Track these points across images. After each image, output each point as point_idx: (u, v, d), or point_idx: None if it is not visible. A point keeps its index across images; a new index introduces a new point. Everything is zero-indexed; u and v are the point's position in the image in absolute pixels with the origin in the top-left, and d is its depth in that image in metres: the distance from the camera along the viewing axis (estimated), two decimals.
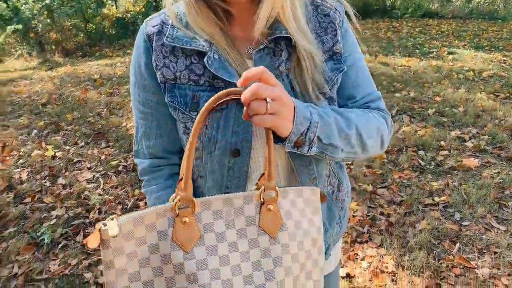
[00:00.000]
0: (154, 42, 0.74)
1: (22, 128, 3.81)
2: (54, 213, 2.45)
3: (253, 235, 0.61)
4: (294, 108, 0.64)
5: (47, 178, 2.86)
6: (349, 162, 3.01)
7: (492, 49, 6.49)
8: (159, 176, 0.83)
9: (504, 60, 5.67)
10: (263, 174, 0.64)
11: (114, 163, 3.10)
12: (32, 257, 2.13)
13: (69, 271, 2.02)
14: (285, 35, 0.72)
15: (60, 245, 2.20)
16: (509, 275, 1.99)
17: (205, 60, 0.71)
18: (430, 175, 2.85)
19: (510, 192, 2.62)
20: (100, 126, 3.80)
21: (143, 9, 10.14)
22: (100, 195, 2.68)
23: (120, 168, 3.03)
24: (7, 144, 3.40)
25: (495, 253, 2.12)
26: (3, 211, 2.47)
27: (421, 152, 3.14)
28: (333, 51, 0.77)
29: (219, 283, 0.58)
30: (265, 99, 0.59)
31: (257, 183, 0.64)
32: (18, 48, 8.67)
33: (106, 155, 3.25)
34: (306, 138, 0.67)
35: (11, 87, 5.43)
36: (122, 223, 0.53)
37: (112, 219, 0.53)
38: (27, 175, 2.91)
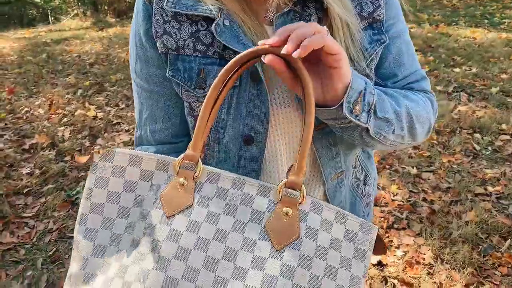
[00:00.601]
0: (154, 5, 0.63)
1: (69, 87, 3.92)
2: None
3: (252, 235, 0.49)
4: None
5: (87, 138, 2.92)
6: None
7: None
8: None
9: None
10: (292, 165, 0.50)
11: None
12: (67, 214, 2.20)
13: None
14: None
15: None
16: None
17: (213, 27, 0.60)
18: (485, 161, 2.58)
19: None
20: None
21: None
22: None
23: None
24: (54, 102, 3.52)
25: None
26: (44, 167, 2.57)
27: (477, 135, 2.85)
28: (374, 17, 0.63)
29: (180, 267, 0.47)
30: None
31: (288, 171, 0.51)
32: (74, 7, 8.91)
33: None
34: (365, 102, 0.55)
35: (64, 46, 5.61)
36: (116, 152, 0.51)
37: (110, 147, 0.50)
38: (69, 133, 2.99)
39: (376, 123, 0.59)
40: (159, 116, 0.70)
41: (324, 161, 0.67)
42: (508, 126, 2.95)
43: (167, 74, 0.65)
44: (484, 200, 2.25)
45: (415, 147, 2.76)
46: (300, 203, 0.49)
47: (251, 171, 0.66)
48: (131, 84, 3.93)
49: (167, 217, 0.49)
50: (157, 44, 0.64)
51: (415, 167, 2.54)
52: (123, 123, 3.20)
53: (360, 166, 0.76)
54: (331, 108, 0.55)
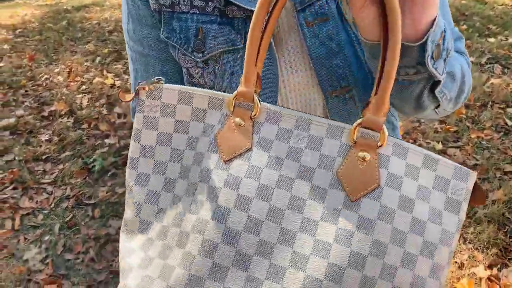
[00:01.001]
0: None
1: (88, 55, 3.90)
2: (107, 141, 2.50)
3: (322, 183, 0.41)
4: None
5: (104, 106, 2.91)
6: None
7: None
8: None
9: None
10: (369, 102, 0.41)
11: None
12: (84, 181, 2.22)
13: (114, 199, 2.07)
14: None
15: (109, 173, 2.26)
16: None
17: None
18: None
19: None
20: None
21: None
22: None
23: None
24: (72, 69, 3.51)
25: None
26: (62, 134, 2.58)
27: (510, 110, 2.68)
28: None
29: (242, 217, 0.42)
30: None
31: (362, 109, 0.42)
32: None
33: None
34: (445, 46, 0.46)
35: (84, 13, 5.56)
36: (164, 88, 0.46)
37: (158, 81, 0.47)
38: (88, 101, 2.99)
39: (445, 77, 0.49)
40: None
41: None
42: None
43: (161, 35, 0.57)
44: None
45: (441, 121, 2.62)
46: (380, 146, 0.41)
47: None
48: None
49: (224, 161, 0.44)
50: (150, 0, 0.57)
51: (440, 143, 2.41)
52: None
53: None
54: (412, 44, 0.43)
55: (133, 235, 0.49)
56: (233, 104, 0.45)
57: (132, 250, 0.48)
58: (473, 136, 2.48)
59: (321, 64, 0.55)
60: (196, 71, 0.58)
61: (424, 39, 0.43)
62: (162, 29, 0.57)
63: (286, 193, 0.42)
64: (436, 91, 0.50)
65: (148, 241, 0.48)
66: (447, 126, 2.57)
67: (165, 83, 0.62)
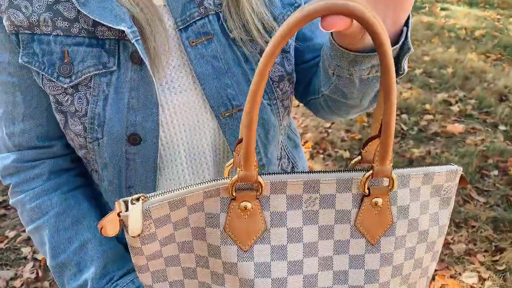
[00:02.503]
0: None
1: None
2: None
3: (344, 237, 0.44)
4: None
5: None
6: (329, 123, 2.81)
7: (486, 6, 6.22)
8: (33, 177, 0.58)
9: (498, 19, 5.45)
10: (373, 137, 0.43)
11: None
12: None
13: (5, 245, 1.82)
14: None
15: None
16: (485, 251, 1.88)
17: None
18: (412, 141, 2.68)
19: (493, 161, 2.49)
20: None
21: None
22: None
23: None
24: None
25: (473, 227, 2.02)
26: None
27: (404, 116, 2.96)
28: None
29: None
30: None
31: (360, 153, 0.45)
32: None
33: None
34: (408, 39, 0.46)
35: None
36: (151, 208, 0.39)
37: (138, 199, 0.38)
38: None
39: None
40: (17, 114, 0.55)
41: None
42: (431, 106, 3.10)
43: (20, 60, 0.50)
44: None
45: (346, 130, 2.79)
46: (391, 189, 0.43)
47: (145, 176, 0.55)
48: None
49: (244, 251, 0.42)
50: (3, 21, 0.49)
51: (347, 150, 2.56)
52: None
53: (286, 157, 0.67)
54: (395, 46, 0.43)
55: None
56: (234, 190, 0.41)
57: None
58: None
59: (209, 84, 0.53)
60: (66, 98, 0.51)
61: (402, 39, 0.44)
62: (21, 53, 0.50)
63: (314, 259, 0.44)
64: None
65: None
66: (352, 135, 2.75)
67: (27, 112, 0.54)
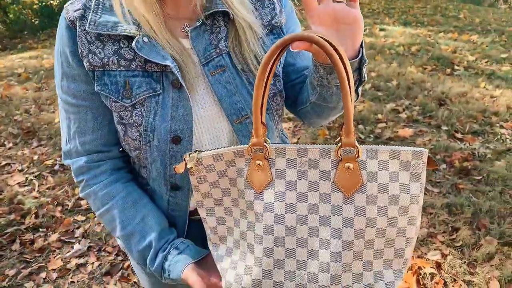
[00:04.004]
0: (77, 27, 0.67)
1: None
2: None
3: (326, 190, 0.59)
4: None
5: None
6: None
7: (418, 24, 6.86)
8: (100, 173, 0.76)
9: (429, 35, 6.03)
10: (340, 127, 0.59)
11: (49, 162, 2.90)
12: None
13: (7, 283, 1.87)
14: (222, 9, 0.69)
15: None
16: (444, 232, 2.15)
17: (133, 44, 0.66)
18: None
19: (441, 157, 2.82)
20: (29, 124, 3.52)
21: None
22: (35, 198, 2.50)
23: (56, 168, 2.84)
24: None
25: (431, 213, 2.29)
26: None
27: (360, 126, 3.27)
28: (272, 25, 0.75)
29: (282, 228, 0.60)
30: None
31: (339, 134, 0.59)
32: None
33: (39, 154, 3.02)
34: (363, 52, 0.65)
35: None
36: (202, 157, 0.63)
37: (196, 152, 0.64)
38: None
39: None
40: (88, 128, 0.73)
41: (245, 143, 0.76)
42: (382, 115, 3.45)
43: (95, 89, 0.69)
44: None
45: (312, 143, 3.04)
46: (357, 157, 0.58)
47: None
48: (16, 120, 3.60)
49: (258, 193, 0.61)
50: (84, 62, 0.68)
51: None
52: (14, 163, 2.91)
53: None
54: (354, 60, 0.62)
55: (216, 246, 0.69)
56: (250, 152, 0.61)
57: (220, 257, 0.68)
58: None
59: (224, 101, 0.72)
60: (126, 114, 0.70)
61: (361, 53, 0.62)
62: (95, 83, 0.69)
63: (304, 204, 0.60)
64: (359, 89, 0.69)
65: (228, 250, 0.68)
66: None
67: (95, 126, 0.75)
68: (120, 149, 0.78)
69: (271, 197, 0.60)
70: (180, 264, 0.71)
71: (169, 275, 0.73)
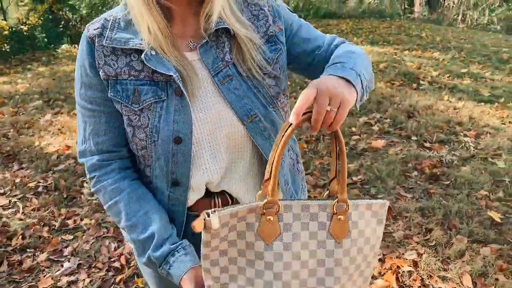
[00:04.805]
0: (96, 43, 0.78)
1: None
2: None
3: (322, 238, 0.71)
4: (346, 79, 0.71)
5: None
6: None
7: (384, 43, 7.25)
8: (110, 171, 0.85)
9: (395, 53, 6.39)
10: (333, 178, 0.71)
11: (32, 184, 2.89)
12: None
13: None
14: (224, 26, 0.80)
15: None
16: (418, 233, 2.30)
17: (142, 56, 0.76)
18: (346, 158, 3.13)
19: (412, 165, 3.02)
20: (8, 148, 3.50)
21: (40, 21, 9.40)
22: (21, 219, 2.49)
23: (40, 189, 2.84)
24: None
25: (406, 217, 2.44)
26: None
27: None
28: (268, 35, 0.85)
29: (289, 273, 0.70)
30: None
31: (328, 189, 0.72)
32: None
33: (21, 177, 3.01)
34: (363, 88, 0.75)
35: None
36: (221, 216, 0.65)
37: (214, 212, 0.63)
38: None
39: (367, 84, 0.79)
40: (101, 130, 0.83)
41: (266, 151, 0.84)
42: (356, 128, 3.64)
43: (109, 95, 0.79)
44: (353, 188, 2.75)
45: None
46: (347, 210, 0.71)
47: (183, 164, 0.81)
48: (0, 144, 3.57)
49: (267, 244, 0.69)
50: (100, 73, 0.79)
51: None
52: None
53: (292, 149, 0.97)
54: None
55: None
56: (263, 208, 0.67)
57: None
58: (316, 163, 3.10)
59: (235, 105, 0.81)
60: (134, 117, 0.79)
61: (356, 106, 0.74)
62: (109, 91, 0.79)
63: (306, 251, 0.70)
64: (357, 104, 0.76)
65: None
66: None
67: (108, 129, 0.84)
68: (128, 151, 0.87)
69: (280, 248, 0.69)
70: (184, 265, 0.78)
71: (169, 268, 0.79)
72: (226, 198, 0.89)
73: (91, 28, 0.80)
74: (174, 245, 0.82)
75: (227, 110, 0.82)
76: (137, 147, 0.83)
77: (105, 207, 0.87)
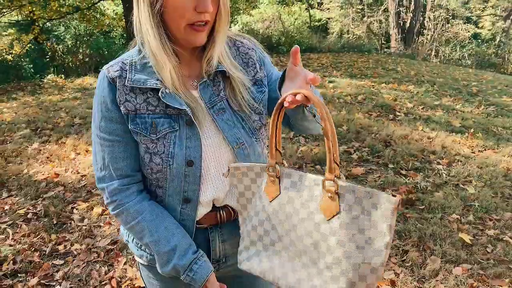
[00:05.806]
0: (117, 83, 0.92)
1: None
2: None
3: (312, 210, 0.78)
4: None
5: None
6: None
7: (363, 76, 7.58)
8: (130, 194, 0.97)
9: (373, 85, 6.69)
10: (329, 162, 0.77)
11: (21, 211, 2.93)
12: None
13: None
14: (222, 69, 0.96)
15: None
16: (396, 254, 2.43)
17: (159, 94, 0.91)
18: None
19: (390, 191, 3.18)
20: None
21: (25, 51, 9.49)
22: (11, 245, 2.53)
23: (29, 216, 2.88)
24: None
25: None
26: None
27: (318, 167, 3.59)
28: (256, 79, 1.02)
29: (280, 228, 0.84)
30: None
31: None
32: None
33: (10, 204, 3.04)
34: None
35: None
36: (238, 166, 0.92)
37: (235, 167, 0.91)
38: None
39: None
40: (119, 157, 0.95)
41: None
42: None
43: (129, 127, 0.93)
44: None
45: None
46: (336, 190, 0.75)
47: (194, 184, 0.95)
48: None
49: (270, 201, 0.85)
50: (121, 108, 0.92)
51: None
52: None
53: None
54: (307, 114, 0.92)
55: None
56: (267, 170, 0.85)
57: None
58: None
59: (226, 133, 0.95)
60: (152, 145, 0.92)
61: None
62: (129, 123, 0.92)
63: (297, 217, 0.79)
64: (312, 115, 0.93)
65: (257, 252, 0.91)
66: None
67: (126, 155, 0.97)
68: (141, 175, 1.00)
69: (278, 204, 0.84)
70: (206, 271, 0.95)
71: (193, 275, 0.95)
72: (229, 211, 1.02)
73: (111, 70, 0.94)
74: (196, 254, 0.97)
75: (218, 137, 0.98)
76: (152, 171, 0.96)
77: (126, 227, 1.00)
